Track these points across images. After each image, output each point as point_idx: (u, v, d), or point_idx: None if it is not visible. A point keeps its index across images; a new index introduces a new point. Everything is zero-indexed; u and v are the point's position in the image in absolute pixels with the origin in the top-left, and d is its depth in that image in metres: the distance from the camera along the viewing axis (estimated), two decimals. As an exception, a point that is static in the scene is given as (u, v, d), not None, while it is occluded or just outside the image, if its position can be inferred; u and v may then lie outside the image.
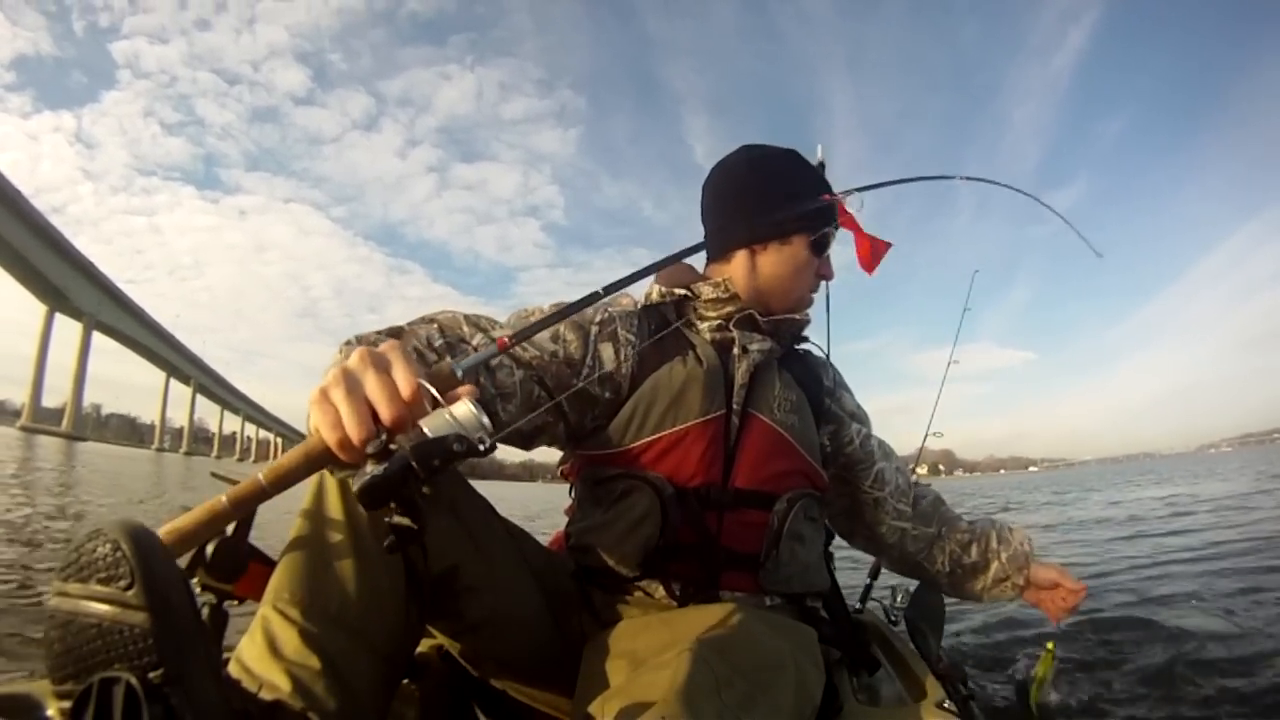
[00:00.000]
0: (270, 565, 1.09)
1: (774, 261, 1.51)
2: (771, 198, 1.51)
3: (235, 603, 1.12)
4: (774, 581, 1.38)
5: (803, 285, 1.55)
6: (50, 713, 0.93)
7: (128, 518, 0.88)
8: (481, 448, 0.84)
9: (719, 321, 1.49)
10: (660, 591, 1.35)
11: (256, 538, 1.14)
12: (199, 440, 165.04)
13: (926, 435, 3.10)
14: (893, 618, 2.13)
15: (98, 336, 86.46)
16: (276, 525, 1.27)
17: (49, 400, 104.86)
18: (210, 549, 1.06)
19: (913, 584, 2.04)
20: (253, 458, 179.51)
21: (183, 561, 1.01)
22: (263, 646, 0.99)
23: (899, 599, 2.16)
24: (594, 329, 1.40)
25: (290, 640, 1.00)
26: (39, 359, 77.59)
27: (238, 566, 1.09)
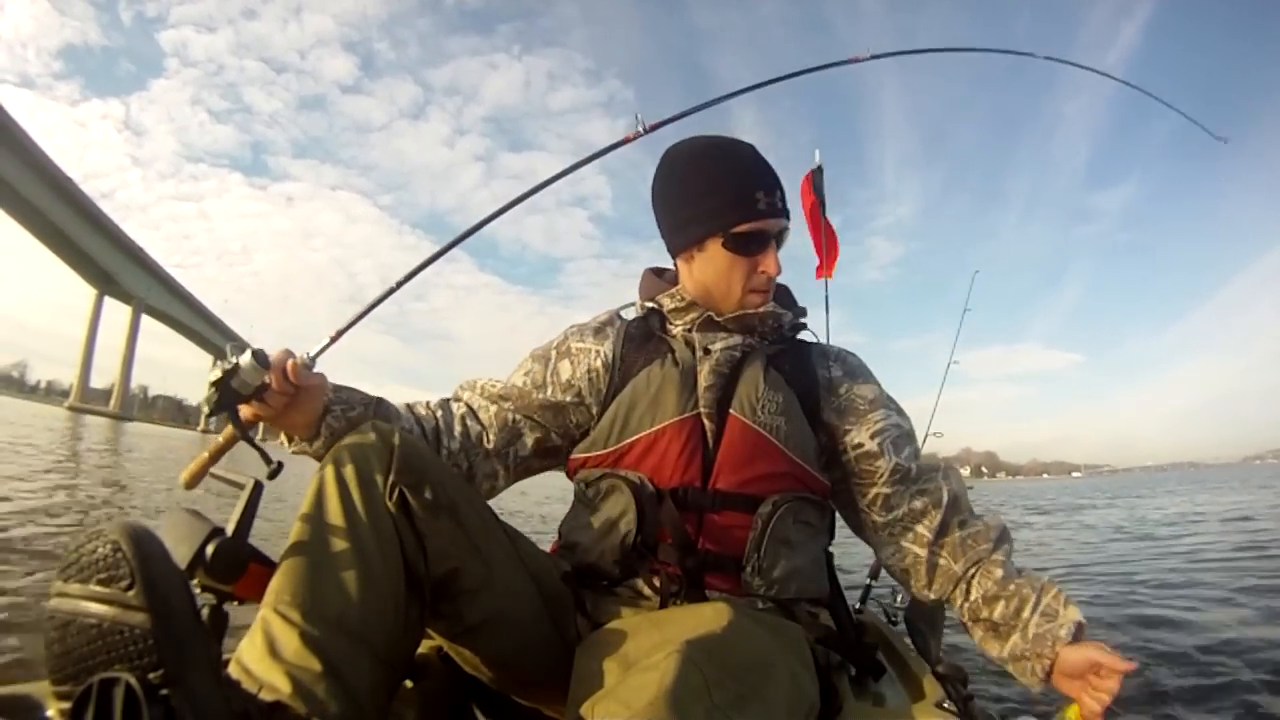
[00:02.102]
0: (271, 566, 1.09)
1: (699, 268, 1.51)
2: (678, 206, 1.53)
3: (235, 604, 1.11)
4: (757, 586, 1.36)
5: (735, 287, 1.50)
6: (50, 713, 0.93)
7: (128, 519, 0.88)
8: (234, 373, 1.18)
9: (687, 326, 1.53)
10: (647, 591, 1.35)
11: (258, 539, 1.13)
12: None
13: (926, 436, 3.09)
14: (893, 618, 2.13)
15: (146, 320, 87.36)
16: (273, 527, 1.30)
17: (97, 381, 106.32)
18: (210, 549, 1.04)
19: None
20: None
21: (183, 563, 1.02)
22: (262, 648, 0.99)
23: (899, 599, 2.16)
24: (553, 353, 1.57)
25: (291, 642, 1.00)
26: (88, 341, 78.58)
27: (238, 567, 1.08)
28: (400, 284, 1.44)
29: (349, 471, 1.15)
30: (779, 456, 1.41)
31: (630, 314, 1.63)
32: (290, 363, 1.24)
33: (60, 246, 69.10)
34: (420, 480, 1.17)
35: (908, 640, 1.86)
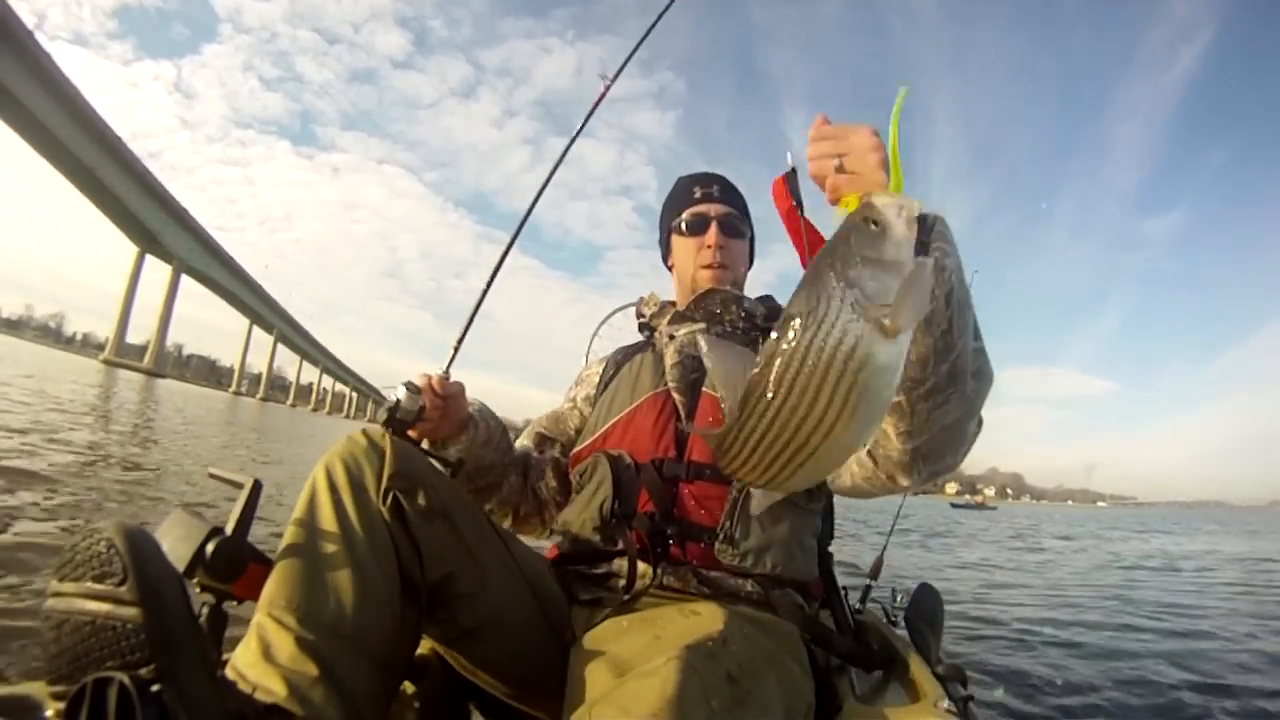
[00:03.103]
0: (270, 566, 1.10)
1: (675, 267, 1.87)
2: (660, 230, 1.93)
3: (235, 603, 1.12)
4: (731, 556, 1.39)
5: (689, 267, 1.78)
6: (49, 713, 0.94)
7: (122, 518, 0.90)
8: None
9: (665, 324, 1.78)
10: (624, 568, 1.38)
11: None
12: (275, 388, 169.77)
13: None
14: (893, 618, 2.12)
15: (186, 280, 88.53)
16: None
17: (133, 337, 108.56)
18: (210, 549, 1.05)
19: (913, 584, 2.06)
20: (326, 409, 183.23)
21: (182, 563, 1.02)
22: (257, 653, 1.00)
23: (899, 599, 2.16)
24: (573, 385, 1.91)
25: (285, 647, 1.01)
26: (127, 297, 79.65)
27: (237, 567, 1.08)
28: (491, 280, 1.80)
29: (340, 475, 1.16)
30: None
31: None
32: (435, 378, 1.45)
33: (105, 203, 70.02)
34: (413, 484, 1.19)
35: (908, 640, 1.85)
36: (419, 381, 1.42)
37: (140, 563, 0.86)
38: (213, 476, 1.26)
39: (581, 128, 1.97)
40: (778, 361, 0.73)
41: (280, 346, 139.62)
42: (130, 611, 0.84)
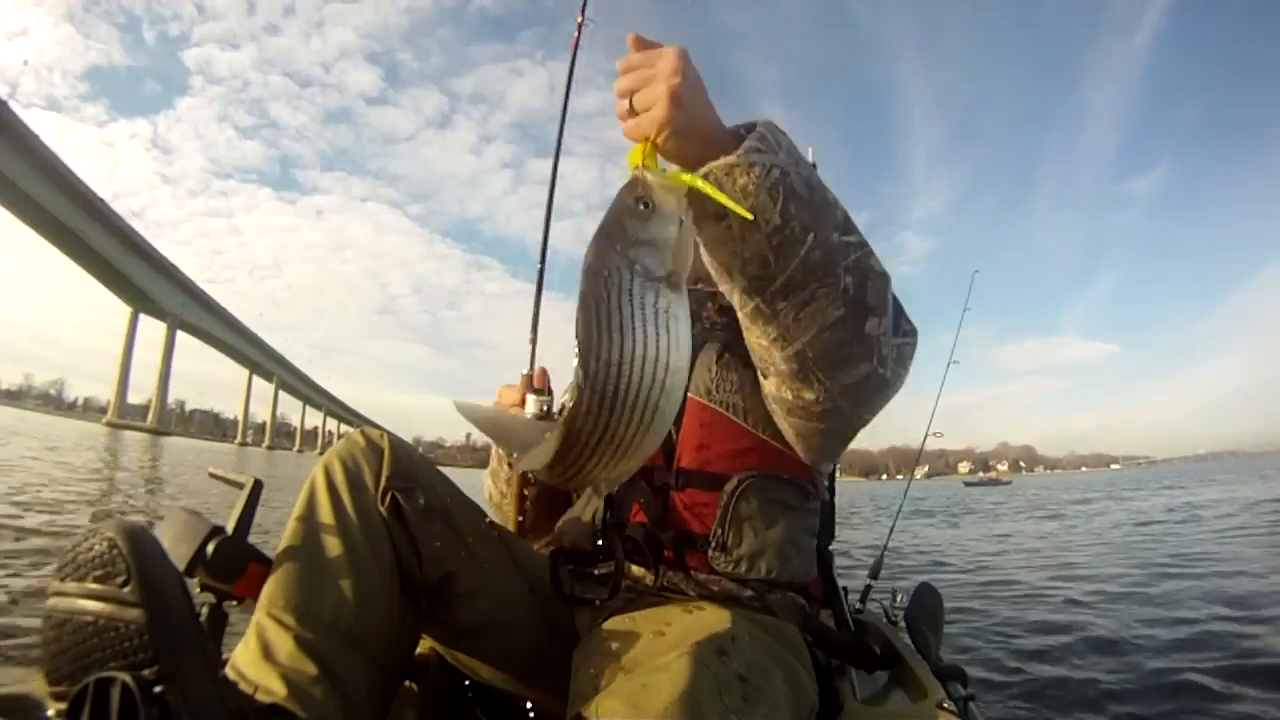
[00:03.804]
0: (270, 566, 1.10)
1: None
2: None
3: (235, 603, 1.12)
4: (725, 562, 1.36)
5: None
6: (50, 713, 0.92)
7: (124, 518, 0.89)
8: None
9: None
10: (633, 571, 1.38)
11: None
12: (281, 435, 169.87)
13: (926, 435, 3.10)
14: (893, 618, 2.13)
15: (182, 335, 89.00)
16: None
17: (134, 397, 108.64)
18: (210, 548, 1.05)
19: (913, 584, 2.07)
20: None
21: (183, 562, 1.03)
22: (257, 652, 1.00)
23: (899, 599, 2.16)
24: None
25: (285, 646, 1.01)
26: (124, 358, 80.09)
27: (238, 567, 1.08)
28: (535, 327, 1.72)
29: (339, 475, 1.16)
30: (742, 434, 1.41)
31: None
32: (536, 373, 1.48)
33: (94, 266, 70.70)
34: (412, 484, 1.19)
35: (908, 640, 1.86)
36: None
37: (143, 563, 0.84)
38: (213, 476, 1.27)
39: (562, 129, 1.91)
40: (581, 323, 0.77)
41: (282, 394, 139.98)
42: (133, 613, 0.82)
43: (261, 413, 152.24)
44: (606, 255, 0.77)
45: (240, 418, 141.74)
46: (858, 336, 1.09)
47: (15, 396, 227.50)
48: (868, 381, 1.16)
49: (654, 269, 0.77)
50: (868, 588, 2.47)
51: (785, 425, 1.34)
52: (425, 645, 1.35)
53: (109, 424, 72.81)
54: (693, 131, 0.91)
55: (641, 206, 0.78)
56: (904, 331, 1.18)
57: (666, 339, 0.77)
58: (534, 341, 1.66)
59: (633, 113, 0.89)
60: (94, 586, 0.84)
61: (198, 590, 1.08)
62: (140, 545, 0.86)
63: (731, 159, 0.93)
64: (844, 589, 1.78)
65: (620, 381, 0.76)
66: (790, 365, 1.13)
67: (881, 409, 1.29)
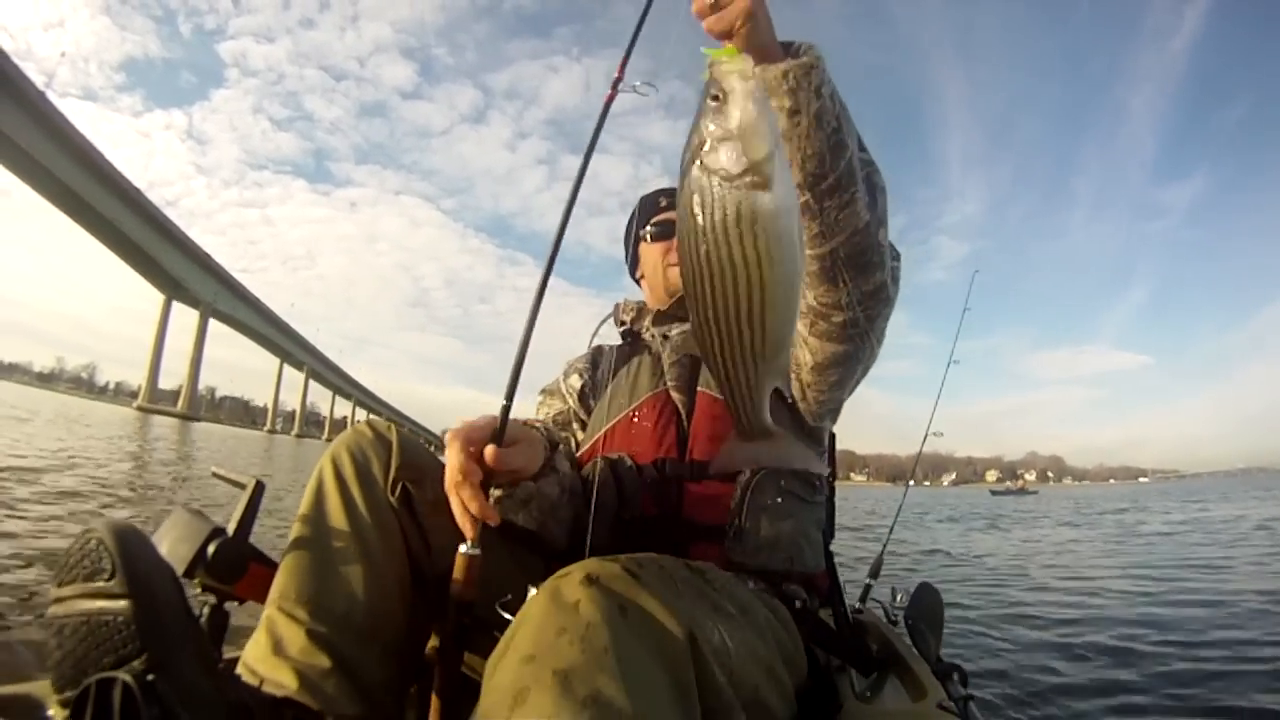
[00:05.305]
0: (271, 567, 1.10)
1: (645, 275, 1.87)
2: (627, 243, 1.90)
3: (236, 604, 1.12)
4: (742, 554, 1.37)
5: (660, 271, 1.77)
6: (51, 713, 0.94)
7: (112, 518, 0.90)
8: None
9: (650, 328, 1.75)
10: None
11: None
12: (310, 423, 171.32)
13: (926, 436, 3.09)
14: (893, 618, 2.13)
15: (214, 323, 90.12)
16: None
17: (165, 382, 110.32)
18: (211, 549, 1.06)
19: (913, 584, 2.08)
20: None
21: (183, 563, 1.04)
22: (266, 647, 1.01)
23: (899, 599, 2.16)
24: (562, 376, 1.81)
25: (296, 640, 1.01)
26: (156, 344, 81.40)
27: (239, 568, 1.09)
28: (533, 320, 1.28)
29: (348, 467, 1.15)
30: None
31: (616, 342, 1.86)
32: (490, 450, 1.08)
33: (129, 254, 71.63)
34: (422, 475, 1.18)
35: (908, 640, 1.86)
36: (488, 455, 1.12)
37: (127, 556, 0.85)
38: (216, 475, 1.27)
39: (599, 131, 1.68)
40: (684, 260, 0.81)
41: (312, 383, 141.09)
42: (120, 604, 0.84)
43: (291, 401, 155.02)
44: (686, 170, 0.79)
45: (270, 405, 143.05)
46: (876, 244, 1.15)
47: (48, 379, 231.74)
48: (880, 292, 1.22)
49: (732, 167, 0.76)
50: (868, 587, 2.49)
51: (804, 352, 1.34)
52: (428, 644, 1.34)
53: (140, 408, 74.04)
54: (768, 26, 0.95)
55: (713, 101, 0.78)
56: (894, 254, 1.25)
57: (750, 242, 0.77)
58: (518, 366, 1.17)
59: (714, 9, 0.90)
60: (84, 585, 0.85)
61: (199, 591, 1.08)
62: (124, 539, 0.86)
63: (808, 59, 0.98)
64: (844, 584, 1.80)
65: (713, 293, 0.80)
66: (821, 264, 1.15)
67: (884, 329, 1.32)
